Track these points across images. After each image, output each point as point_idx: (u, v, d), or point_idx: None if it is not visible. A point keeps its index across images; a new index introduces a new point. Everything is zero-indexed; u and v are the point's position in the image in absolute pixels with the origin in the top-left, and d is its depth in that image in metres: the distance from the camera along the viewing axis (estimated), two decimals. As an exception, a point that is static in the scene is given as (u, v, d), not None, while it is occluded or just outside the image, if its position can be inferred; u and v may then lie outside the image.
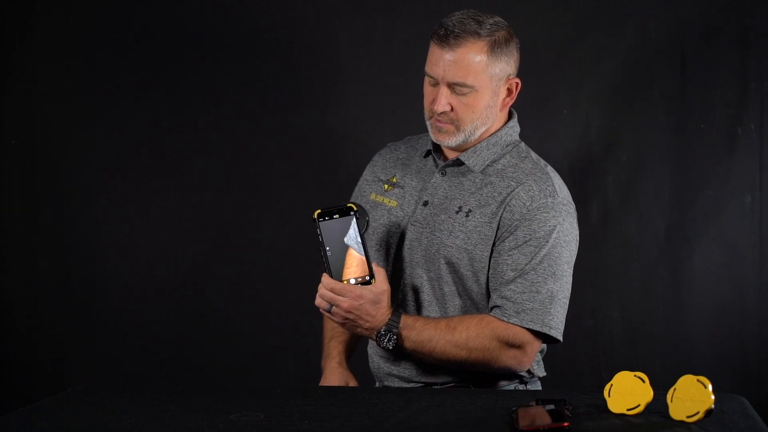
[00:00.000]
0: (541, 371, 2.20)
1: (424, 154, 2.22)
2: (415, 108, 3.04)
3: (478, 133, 2.10)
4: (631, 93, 2.98)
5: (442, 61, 2.05)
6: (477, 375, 2.10)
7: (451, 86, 2.05)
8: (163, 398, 1.91)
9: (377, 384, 2.23)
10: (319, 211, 1.99)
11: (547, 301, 2.02)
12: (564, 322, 2.06)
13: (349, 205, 2.00)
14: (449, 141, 2.11)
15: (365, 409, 1.82)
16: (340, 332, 2.27)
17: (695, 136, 2.95)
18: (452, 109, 2.07)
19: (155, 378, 3.11)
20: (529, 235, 2.03)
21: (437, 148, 2.20)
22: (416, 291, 2.14)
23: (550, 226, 2.03)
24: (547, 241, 2.02)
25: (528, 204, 2.04)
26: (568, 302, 2.08)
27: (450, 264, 2.09)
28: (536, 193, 2.05)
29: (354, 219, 1.99)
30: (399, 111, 3.05)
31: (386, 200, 2.23)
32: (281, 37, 3.10)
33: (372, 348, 2.21)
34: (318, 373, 3.06)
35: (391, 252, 2.20)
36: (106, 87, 3.16)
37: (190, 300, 3.17)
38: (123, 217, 3.17)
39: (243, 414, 1.77)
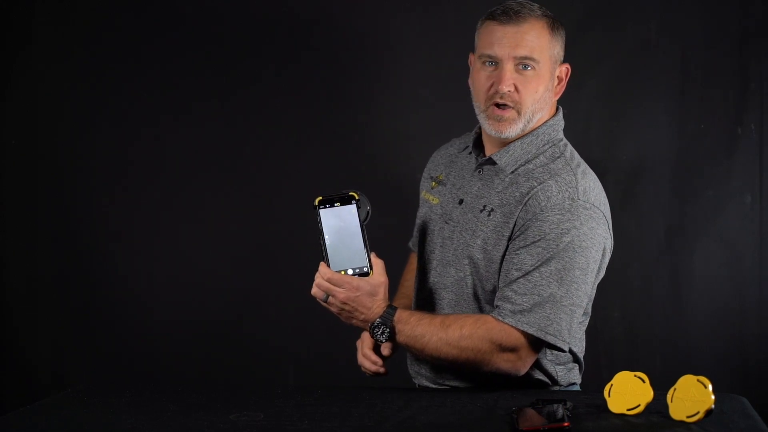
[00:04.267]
0: (566, 378, 2.12)
1: (468, 151, 2.19)
2: (421, 111, 3.06)
3: (535, 119, 2.06)
4: (631, 93, 2.98)
5: (505, 38, 2.02)
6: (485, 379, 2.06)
7: (517, 62, 2.02)
8: (163, 398, 1.91)
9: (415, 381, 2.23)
10: (320, 198, 1.96)
11: (547, 305, 1.95)
12: (569, 330, 1.98)
13: (351, 193, 1.97)
14: (510, 130, 2.06)
15: (365, 409, 1.82)
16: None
17: (695, 136, 2.95)
18: (516, 90, 2.04)
19: (155, 378, 3.11)
20: (539, 235, 1.96)
21: (478, 145, 2.18)
22: (444, 289, 2.12)
23: (562, 229, 1.95)
24: (558, 245, 1.95)
25: (543, 204, 1.97)
26: (578, 310, 2.00)
27: (473, 264, 2.07)
28: (554, 193, 1.98)
29: (355, 208, 1.96)
30: (408, 112, 3.06)
31: (431, 198, 2.21)
32: (286, 37, 3.10)
33: None
34: (317, 373, 3.05)
35: (426, 249, 2.18)
36: (106, 87, 3.15)
37: (190, 300, 3.17)
38: (123, 216, 3.17)
39: (243, 414, 1.78)
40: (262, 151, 3.14)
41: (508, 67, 2.03)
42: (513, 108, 2.04)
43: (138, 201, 3.16)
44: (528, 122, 2.06)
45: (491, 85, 2.05)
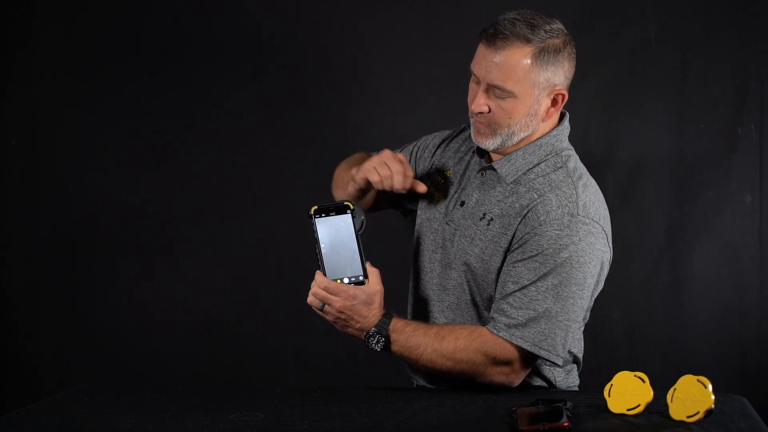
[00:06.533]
0: (565, 382, 2.12)
1: (474, 151, 2.17)
2: (417, 110, 3.06)
3: (516, 139, 2.03)
4: (631, 93, 2.98)
5: (485, 61, 1.98)
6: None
7: (491, 88, 1.99)
8: (163, 398, 1.91)
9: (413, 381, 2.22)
10: (315, 207, 1.97)
11: (543, 320, 1.94)
12: (564, 345, 1.98)
13: (346, 203, 1.98)
14: (486, 144, 2.04)
15: (365, 409, 1.82)
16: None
17: (695, 136, 2.96)
18: (489, 111, 2.01)
19: (155, 378, 3.11)
20: (537, 250, 1.95)
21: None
22: (445, 292, 2.12)
23: (561, 244, 1.94)
24: (555, 260, 1.94)
25: (542, 218, 1.96)
26: (574, 325, 1.99)
27: (470, 271, 2.06)
28: (554, 207, 1.97)
29: (350, 217, 1.97)
30: (404, 112, 3.06)
31: (437, 193, 2.20)
32: (283, 38, 3.10)
33: None
34: (317, 373, 3.04)
35: (428, 248, 2.17)
36: (106, 87, 3.16)
37: (189, 300, 3.17)
38: (122, 216, 3.17)
39: (243, 414, 1.78)
40: (262, 151, 3.14)
41: (481, 90, 2.00)
42: (487, 126, 2.04)
43: (138, 201, 3.16)
44: (507, 139, 2.03)
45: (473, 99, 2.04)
